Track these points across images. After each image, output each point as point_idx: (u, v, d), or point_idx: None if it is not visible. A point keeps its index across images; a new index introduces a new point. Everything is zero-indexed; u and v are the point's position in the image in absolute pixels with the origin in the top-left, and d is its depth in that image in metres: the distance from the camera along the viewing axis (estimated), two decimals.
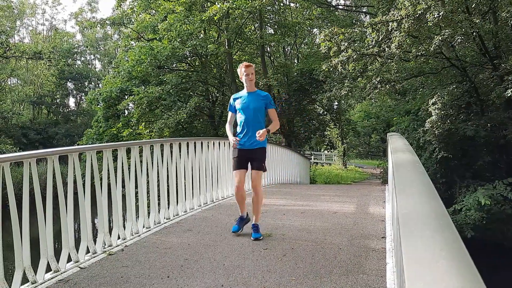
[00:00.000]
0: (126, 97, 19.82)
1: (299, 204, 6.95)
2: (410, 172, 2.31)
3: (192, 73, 19.77)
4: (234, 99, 4.59)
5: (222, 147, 7.49)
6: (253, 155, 4.46)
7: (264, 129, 4.34)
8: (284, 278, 3.25)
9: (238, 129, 4.53)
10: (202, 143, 6.68)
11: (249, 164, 4.59)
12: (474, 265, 0.86)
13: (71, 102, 43.12)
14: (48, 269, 3.50)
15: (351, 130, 27.85)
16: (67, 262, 3.70)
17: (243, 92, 4.57)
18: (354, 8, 21.27)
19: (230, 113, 4.64)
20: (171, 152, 5.77)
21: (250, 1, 15.74)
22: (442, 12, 8.98)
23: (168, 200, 5.58)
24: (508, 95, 10.17)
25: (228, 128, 4.60)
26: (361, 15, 22.67)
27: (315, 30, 24.31)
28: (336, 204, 6.99)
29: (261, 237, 4.41)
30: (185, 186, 6.04)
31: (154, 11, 21.19)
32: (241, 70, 4.47)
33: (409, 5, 9.72)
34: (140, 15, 21.53)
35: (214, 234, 4.73)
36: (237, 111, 4.52)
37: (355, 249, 4.04)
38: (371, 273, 3.32)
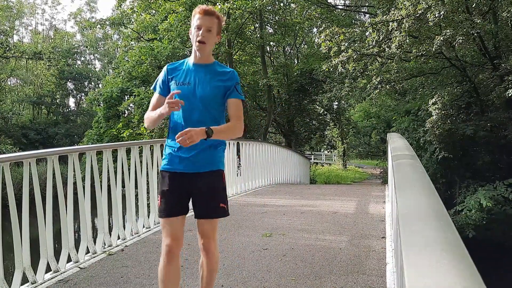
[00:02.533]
0: (127, 98, 19.83)
1: (299, 204, 6.95)
2: (410, 172, 2.31)
3: None
4: (170, 72, 2.38)
5: None
6: (200, 186, 2.30)
7: (202, 128, 2.15)
8: (284, 278, 3.25)
9: (170, 133, 2.40)
10: None
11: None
12: (475, 266, 0.86)
13: (71, 102, 43.11)
14: (48, 269, 3.50)
15: (351, 129, 27.86)
16: (67, 262, 3.70)
17: (189, 62, 2.38)
18: (354, 8, 21.27)
19: (156, 96, 2.41)
20: None
21: (251, 1, 15.75)
22: (443, 12, 8.97)
23: None
24: (509, 95, 10.17)
25: (147, 114, 2.40)
26: (361, 15, 22.67)
27: (315, 30, 24.30)
28: (336, 204, 6.99)
29: None
30: None
31: (154, 11, 21.19)
32: (193, 18, 2.30)
33: (409, 5, 9.72)
34: (140, 15, 21.53)
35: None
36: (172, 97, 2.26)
37: (355, 249, 4.04)
38: (371, 274, 3.32)
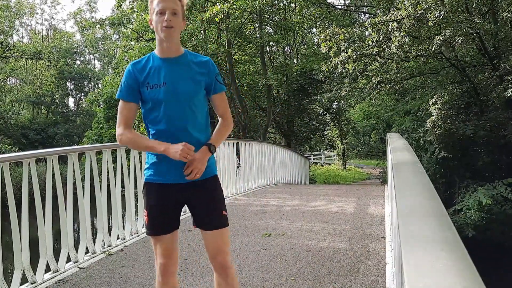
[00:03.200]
0: None
1: (298, 204, 6.95)
2: (409, 172, 2.31)
3: None
4: (138, 73, 1.98)
5: (221, 146, 7.49)
6: (200, 196, 2.03)
7: (204, 148, 1.98)
8: (284, 278, 3.25)
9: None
10: None
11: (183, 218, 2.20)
12: (474, 265, 0.86)
13: (71, 102, 43.14)
14: (48, 269, 3.50)
15: (351, 129, 27.89)
16: (67, 262, 3.70)
17: (155, 58, 2.01)
18: (353, 8, 21.28)
19: (127, 105, 2.05)
20: None
21: (251, 2, 15.74)
22: (443, 12, 8.98)
23: None
24: (508, 95, 10.17)
25: (133, 136, 2.07)
26: (361, 15, 22.68)
27: (314, 30, 24.33)
28: (336, 204, 6.99)
29: None
30: None
31: None
32: (152, 4, 1.95)
33: (409, 5, 9.73)
34: (140, 16, 21.50)
35: None
36: (144, 102, 2.02)
37: (355, 249, 4.04)
38: (371, 273, 3.32)
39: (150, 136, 2.04)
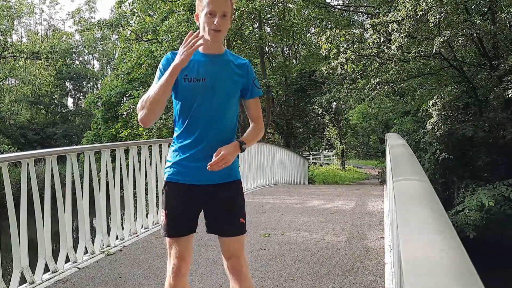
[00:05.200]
0: (125, 100, 19.81)
1: (297, 204, 6.95)
2: (408, 172, 2.32)
3: None
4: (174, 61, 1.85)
5: None
6: (218, 200, 1.97)
7: (235, 143, 1.91)
8: (283, 279, 3.25)
9: (179, 138, 1.96)
10: None
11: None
12: (473, 265, 0.86)
13: (69, 102, 43.09)
14: (46, 269, 3.49)
15: (350, 130, 27.93)
16: (65, 262, 3.69)
17: (197, 51, 1.91)
18: (352, 8, 21.29)
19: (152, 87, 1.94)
20: None
21: (250, 3, 15.74)
22: (443, 13, 8.99)
23: None
24: (508, 95, 10.18)
25: (145, 96, 1.86)
26: (359, 15, 22.69)
27: (313, 30, 24.33)
28: (335, 204, 6.99)
29: None
30: None
31: (152, 13, 21.17)
32: (202, 0, 1.86)
33: (409, 6, 9.73)
34: (141, 17, 21.47)
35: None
36: (177, 93, 1.93)
37: (354, 249, 4.04)
38: (370, 273, 3.33)
39: (178, 128, 1.96)
